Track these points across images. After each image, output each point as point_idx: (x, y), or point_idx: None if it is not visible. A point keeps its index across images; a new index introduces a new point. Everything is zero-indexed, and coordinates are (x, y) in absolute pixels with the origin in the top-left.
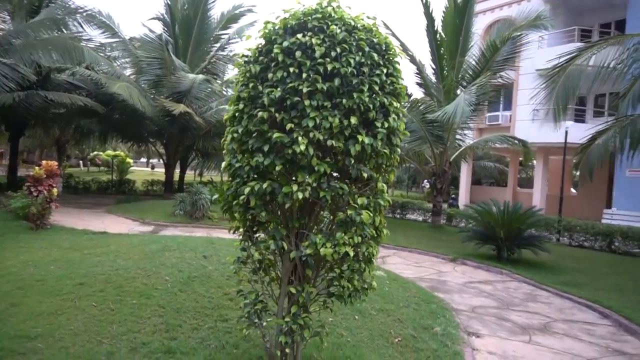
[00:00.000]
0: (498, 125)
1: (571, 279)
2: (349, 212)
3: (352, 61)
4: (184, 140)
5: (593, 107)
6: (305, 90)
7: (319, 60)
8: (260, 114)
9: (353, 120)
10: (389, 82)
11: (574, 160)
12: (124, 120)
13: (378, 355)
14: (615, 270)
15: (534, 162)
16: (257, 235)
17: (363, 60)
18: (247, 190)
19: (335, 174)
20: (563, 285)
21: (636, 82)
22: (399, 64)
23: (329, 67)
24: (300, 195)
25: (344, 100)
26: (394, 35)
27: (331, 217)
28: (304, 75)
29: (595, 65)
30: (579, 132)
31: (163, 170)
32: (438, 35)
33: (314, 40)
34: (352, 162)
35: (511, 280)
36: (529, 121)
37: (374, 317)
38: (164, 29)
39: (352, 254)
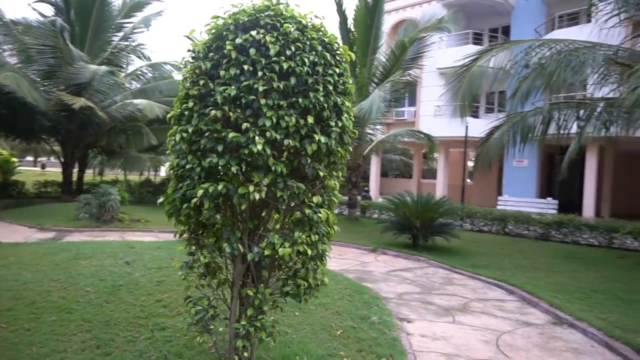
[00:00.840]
0: (404, 120)
1: (478, 262)
2: (306, 211)
3: (306, 60)
4: (84, 137)
5: (485, 104)
6: (261, 89)
7: (274, 59)
8: (213, 112)
9: (310, 119)
10: (340, 81)
11: (473, 153)
12: (9, 115)
13: (324, 349)
14: (511, 251)
15: (436, 155)
16: (202, 238)
17: (316, 59)
18: (200, 192)
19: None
20: (472, 268)
21: (524, 82)
22: (347, 63)
23: (285, 65)
24: (257, 196)
25: (300, 100)
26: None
27: (282, 217)
28: (260, 73)
29: (493, 67)
30: (475, 127)
31: (56, 169)
32: (351, 34)
33: (267, 38)
34: (309, 161)
35: (428, 267)
36: (432, 116)
37: (314, 312)
38: (55, 14)
39: (310, 252)
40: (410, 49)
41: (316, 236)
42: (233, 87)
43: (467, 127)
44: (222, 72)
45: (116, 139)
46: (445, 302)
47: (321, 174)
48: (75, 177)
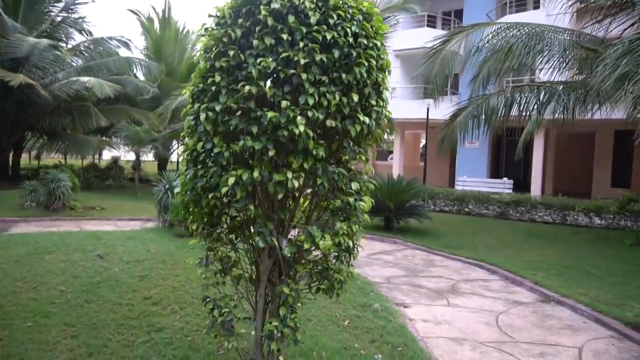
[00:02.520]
0: None
1: (451, 242)
2: (349, 199)
3: (349, 31)
4: (22, 118)
5: (435, 87)
6: (302, 61)
7: (315, 28)
8: (247, 88)
9: (355, 97)
10: (381, 56)
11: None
12: None
13: (338, 342)
14: (476, 230)
15: (392, 137)
16: (222, 232)
17: (358, 30)
18: (231, 180)
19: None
20: (448, 248)
21: (485, 65)
22: (383, 36)
23: (328, 36)
24: (297, 184)
25: (344, 75)
26: None
27: (311, 205)
28: (301, 44)
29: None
30: (432, 110)
31: None
32: None
33: (307, 4)
34: (351, 144)
35: (406, 249)
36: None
37: (315, 302)
38: None
39: (350, 244)
40: None
41: (356, 226)
42: (270, 58)
43: (427, 108)
44: (255, 42)
45: (60, 120)
46: (434, 285)
47: (363, 157)
48: (10, 162)
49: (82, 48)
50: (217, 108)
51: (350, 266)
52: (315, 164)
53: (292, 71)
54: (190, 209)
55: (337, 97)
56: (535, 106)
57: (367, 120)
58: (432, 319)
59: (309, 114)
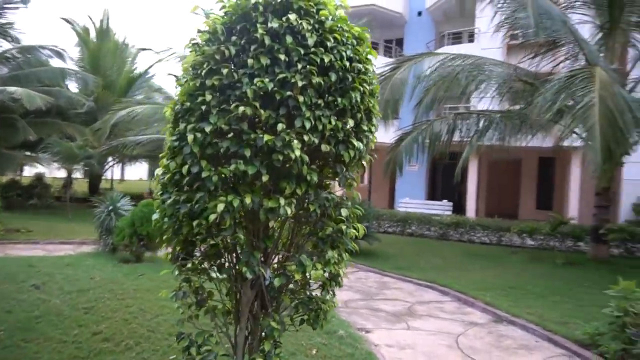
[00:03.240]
0: None
1: (399, 263)
2: (342, 226)
3: (344, 54)
4: None
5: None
6: (300, 83)
7: (312, 50)
8: (241, 109)
9: (350, 122)
10: (372, 81)
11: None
12: None
13: None
14: (421, 251)
15: None
16: (197, 261)
17: (352, 55)
18: (220, 207)
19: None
20: (398, 270)
21: (429, 92)
22: (371, 62)
23: (326, 59)
24: (289, 211)
25: (339, 99)
26: None
27: (293, 233)
28: (299, 65)
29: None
30: (379, 133)
31: None
32: None
33: (304, 25)
34: (344, 169)
35: (358, 270)
36: None
37: None
38: None
39: (341, 273)
40: None
41: (347, 254)
42: (267, 79)
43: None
44: (250, 61)
45: None
46: (391, 308)
47: (354, 184)
48: None
49: (9, 56)
50: (207, 129)
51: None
52: (307, 190)
53: (288, 93)
54: (166, 237)
55: (333, 122)
56: (475, 132)
57: (360, 145)
58: (395, 343)
59: (305, 138)
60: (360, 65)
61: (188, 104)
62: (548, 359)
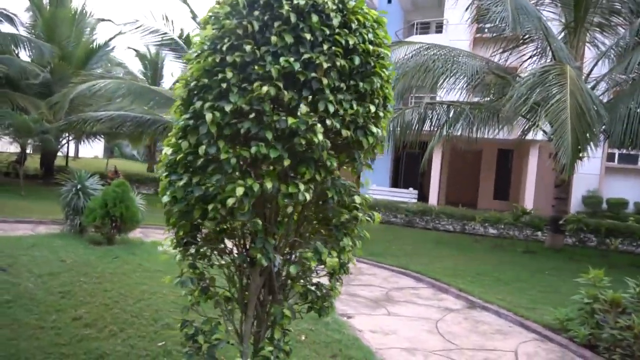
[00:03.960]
0: None
1: (372, 249)
2: (358, 213)
3: (366, 38)
4: None
5: None
6: (325, 65)
7: (337, 31)
8: (265, 88)
9: (372, 107)
10: (388, 67)
11: None
12: None
13: (301, 358)
14: (391, 238)
15: None
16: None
17: (373, 38)
18: (239, 190)
19: None
20: (372, 256)
21: (400, 81)
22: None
23: (350, 41)
24: (307, 196)
25: (361, 84)
26: (184, 0)
27: (300, 219)
28: (325, 46)
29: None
30: None
31: None
32: None
33: (329, 4)
34: (361, 156)
35: None
36: None
37: None
38: None
39: (354, 262)
40: None
41: (359, 242)
42: (292, 58)
43: None
44: (273, 38)
45: None
46: (369, 293)
47: (370, 169)
48: None
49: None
50: (227, 108)
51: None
52: (326, 176)
53: (313, 74)
54: (172, 220)
55: (355, 107)
56: (445, 123)
57: (379, 131)
58: (378, 329)
59: (328, 122)
60: (381, 50)
61: (205, 80)
62: (522, 343)
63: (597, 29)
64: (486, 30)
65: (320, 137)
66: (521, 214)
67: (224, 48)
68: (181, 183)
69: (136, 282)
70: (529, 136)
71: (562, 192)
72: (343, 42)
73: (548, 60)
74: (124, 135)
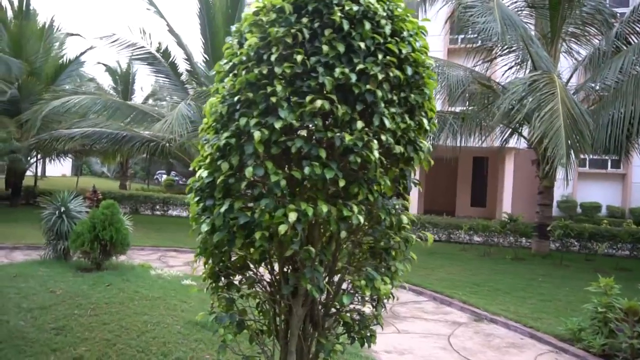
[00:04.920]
0: None
1: None
2: (411, 235)
3: (416, 46)
4: None
5: None
6: (380, 76)
7: (389, 40)
8: (319, 102)
9: (425, 121)
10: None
11: None
12: None
13: None
14: None
15: None
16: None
17: (420, 47)
18: (292, 216)
19: None
20: None
21: None
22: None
23: (404, 50)
24: (362, 219)
25: (412, 96)
26: (159, 13)
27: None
28: (379, 56)
29: None
30: None
31: None
32: (214, 25)
33: (380, 11)
34: (412, 173)
35: None
36: None
37: None
38: None
39: (406, 286)
40: None
41: (410, 265)
42: (347, 69)
43: None
44: (325, 48)
45: None
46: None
47: (420, 188)
48: None
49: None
50: (277, 125)
51: None
52: (378, 196)
53: (368, 87)
54: (207, 250)
55: (408, 120)
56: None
57: (429, 146)
58: (392, 349)
59: (383, 137)
60: (429, 60)
61: (250, 94)
62: (539, 356)
63: (573, 39)
64: (459, 40)
65: (376, 154)
66: (509, 221)
67: (273, 58)
68: (223, 209)
69: (136, 312)
70: (510, 143)
71: (545, 199)
72: (396, 51)
73: (528, 71)
74: (96, 152)
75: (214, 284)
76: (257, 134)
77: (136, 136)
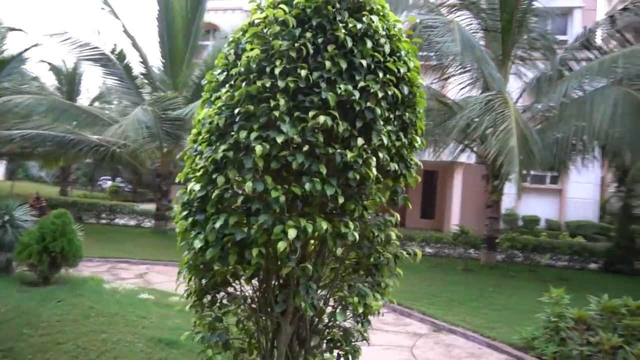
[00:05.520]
0: None
1: None
2: (402, 250)
3: (411, 66)
4: None
5: None
6: (380, 94)
7: (388, 58)
8: (322, 118)
9: (418, 139)
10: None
11: None
12: None
13: None
14: None
15: None
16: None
17: (413, 66)
18: (292, 233)
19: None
20: None
21: None
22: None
23: (402, 69)
24: (357, 235)
25: (407, 114)
26: (114, 14)
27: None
28: (380, 74)
29: None
30: None
31: None
32: (173, 28)
33: (380, 29)
34: (404, 190)
35: None
36: None
37: None
38: None
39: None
40: None
41: (398, 281)
42: (349, 85)
43: None
44: (328, 64)
45: None
46: None
47: (410, 205)
48: None
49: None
50: (279, 139)
51: None
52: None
53: (368, 104)
54: (194, 267)
55: (402, 138)
56: None
57: (419, 163)
58: None
59: (380, 155)
60: (421, 80)
61: (251, 107)
62: None
63: (521, 62)
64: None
65: (374, 171)
66: (461, 233)
67: (277, 72)
68: (217, 225)
69: (92, 330)
70: (461, 159)
71: (494, 212)
72: (395, 70)
73: (480, 90)
74: (37, 156)
75: (197, 301)
76: (258, 148)
77: (84, 140)
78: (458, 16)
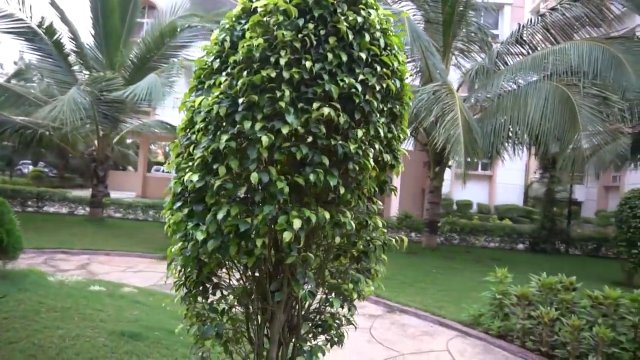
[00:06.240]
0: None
1: None
2: (387, 237)
3: (400, 59)
4: None
5: None
6: (377, 87)
7: (383, 52)
8: (326, 110)
9: (407, 131)
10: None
11: None
12: None
13: None
14: None
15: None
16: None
17: (401, 60)
18: (297, 223)
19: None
20: None
21: None
22: None
23: (395, 63)
24: (354, 225)
25: (398, 107)
26: None
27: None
28: (378, 68)
29: None
30: None
31: None
32: (108, 5)
33: (375, 23)
34: (391, 179)
35: None
36: (172, 108)
37: None
38: None
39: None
40: (182, 34)
41: (384, 267)
42: (352, 78)
43: None
44: (329, 56)
45: None
46: None
47: (395, 193)
48: None
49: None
50: (284, 130)
51: None
52: (364, 202)
53: (367, 97)
54: (192, 259)
55: (394, 130)
56: None
57: (406, 153)
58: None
59: (376, 146)
60: (406, 73)
61: (254, 97)
62: (449, 341)
63: (460, 53)
64: None
65: (372, 162)
66: (404, 218)
67: (282, 62)
68: (220, 216)
69: (47, 327)
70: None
71: (435, 197)
72: (390, 63)
73: (423, 81)
74: None
75: (189, 293)
76: (264, 139)
77: (7, 121)
78: (402, 7)
